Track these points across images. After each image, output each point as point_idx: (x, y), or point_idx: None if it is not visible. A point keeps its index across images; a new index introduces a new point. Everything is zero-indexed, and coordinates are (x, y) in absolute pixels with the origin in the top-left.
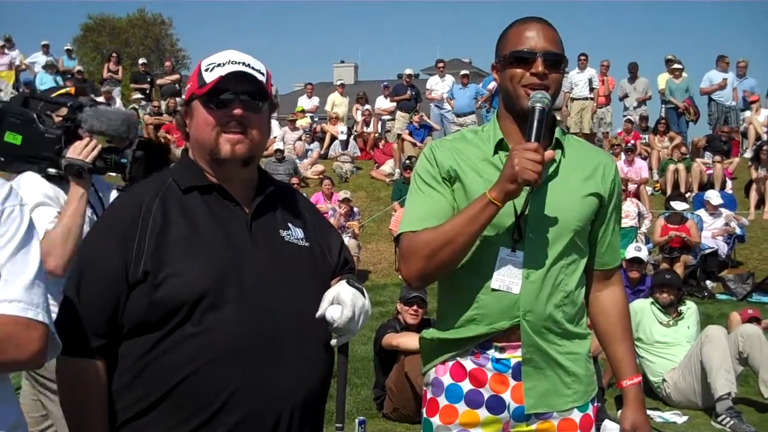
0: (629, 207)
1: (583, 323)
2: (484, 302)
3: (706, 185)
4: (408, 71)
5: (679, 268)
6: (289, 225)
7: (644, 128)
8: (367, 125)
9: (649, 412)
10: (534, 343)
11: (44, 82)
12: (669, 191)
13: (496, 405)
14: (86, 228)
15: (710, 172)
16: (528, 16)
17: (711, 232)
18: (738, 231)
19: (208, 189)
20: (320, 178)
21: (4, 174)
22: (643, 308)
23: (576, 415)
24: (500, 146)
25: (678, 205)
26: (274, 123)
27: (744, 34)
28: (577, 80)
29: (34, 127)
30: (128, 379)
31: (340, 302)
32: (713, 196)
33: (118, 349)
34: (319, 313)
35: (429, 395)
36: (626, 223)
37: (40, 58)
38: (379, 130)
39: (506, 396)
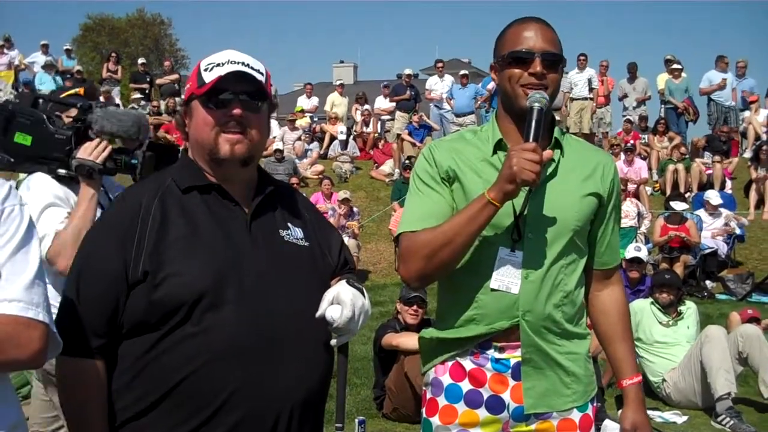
0: (629, 207)
1: (583, 323)
2: (484, 302)
3: (706, 185)
4: (407, 71)
5: (678, 268)
6: (289, 225)
7: (644, 128)
8: (367, 125)
9: (649, 412)
10: (533, 343)
11: (43, 81)
12: (668, 191)
13: (495, 405)
14: None
15: (710, 172)
16: (526, 17)
17: (710, 232)
18: (737, 231)
19: (208, 189)
20: (320, 178)
21: (4, 174)
22: (643, 308)
23: (575, 415)
24: (499, 146)
25: (677, 205)
26: (274, 123)
27: (743, 34)
28: (577, 80)
29: (44, 127)
30: (128, 379)
31: (340, 302)
32: (713, 196)
33: (117, 349)
34: (318, 313)
35: (428, 395)
36: (626, 223)
37: (39, 58)
38: (379, 130)
39: (506, 396)
